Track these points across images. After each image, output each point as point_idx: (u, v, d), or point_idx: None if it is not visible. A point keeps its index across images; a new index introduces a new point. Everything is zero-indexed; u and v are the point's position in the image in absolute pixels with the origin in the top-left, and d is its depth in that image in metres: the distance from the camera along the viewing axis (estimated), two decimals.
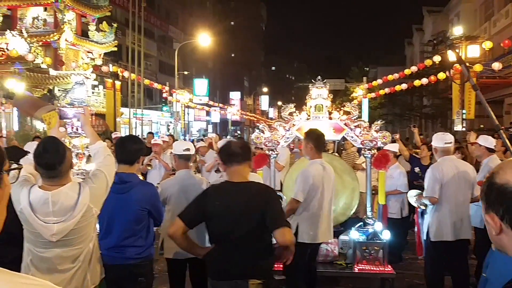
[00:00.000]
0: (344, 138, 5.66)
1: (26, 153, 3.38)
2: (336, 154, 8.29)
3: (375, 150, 5.19)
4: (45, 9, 20.89)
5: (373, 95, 24.57)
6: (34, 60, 15.72)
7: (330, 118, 5.28)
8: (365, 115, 25.38)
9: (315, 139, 4.32)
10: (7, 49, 14.22)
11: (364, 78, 26.62)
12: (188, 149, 4.03)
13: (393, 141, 6.77)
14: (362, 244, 4.85)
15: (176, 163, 4.14)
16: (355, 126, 5.18)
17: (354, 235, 4.95)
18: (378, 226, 4.95)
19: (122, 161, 3.21)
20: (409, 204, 5.85)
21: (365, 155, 5.27)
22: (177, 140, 13.81)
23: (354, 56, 72.64)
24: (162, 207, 3.61)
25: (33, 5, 20.68)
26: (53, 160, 2.39)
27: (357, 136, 5.14)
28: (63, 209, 2.38)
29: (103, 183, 2.60)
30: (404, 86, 19.81)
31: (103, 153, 2.78)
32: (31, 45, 15.21)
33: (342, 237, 5.27)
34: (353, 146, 7.43)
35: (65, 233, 2.39)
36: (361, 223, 5.12)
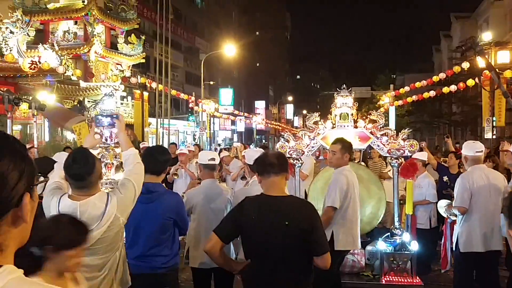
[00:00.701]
0: (370, 147, 5.59)
1: (55, 163, 3.47)
2: (362, 163, 8.20)
3: (403, 159, 5.11)
4: (76, 23, 21.59)
5: (400, 102, 24.22)
6: (65, 73, 16.17)
7: (356, 127, 5.24)
8: (392, 123, 25.01)
9: (348, 147, 4.33)
10: (39, 62, 14.68)
11: (391, 86, 26.34)
12: (213, 159, 4.06)
13: (421, 150, 6.64)
14: (390, 255, 4.76)
15: (201, 172, 4.17)
16: (381, 135, 5.12)
17: (381, 245, 4.86)
18: (406, 236, 4.86)
19: (150, 171, 3.22)
20: (438, 214, 5.72)
21: (392, 164, 5.19)
22: (203, 149, 13.94)
23: (380, 63, 71.96)
24: (187, 217, 3.63)
25: (64, 19, 21.41)
26: (82, 171, 2.45)
27: (384, 144, 5.08)
28: (91, 219, 2.43)
29: (131, 193, 2.62)
30: (432, 93, 19.44)
31: (133, 161, 2.79)
32: (62, 57, 15.67)
33: (368, 247, 5.19)
34: (380, 154, 7.33)
35: (92, 242, 2.42)
36: (388, 233, 5.03)
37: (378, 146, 5.14)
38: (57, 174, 2.67)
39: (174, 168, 7.60)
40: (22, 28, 15.14)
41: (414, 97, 21.45)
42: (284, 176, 2.68)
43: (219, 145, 30.78)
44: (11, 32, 14.74)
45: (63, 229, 1.89)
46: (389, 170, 6.62)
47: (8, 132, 7.07)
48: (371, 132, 5.14)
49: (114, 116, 2.97)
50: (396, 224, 4.98)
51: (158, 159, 3.29)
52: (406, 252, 4.75)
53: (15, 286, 0.85)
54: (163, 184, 3.45)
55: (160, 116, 23.40)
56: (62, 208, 2.45)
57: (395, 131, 5.20)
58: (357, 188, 4.33)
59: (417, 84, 19.08)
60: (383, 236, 4.99)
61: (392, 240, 4.89)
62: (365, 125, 5.24)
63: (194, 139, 33.97)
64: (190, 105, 28.46)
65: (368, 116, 5.46)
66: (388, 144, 5.04)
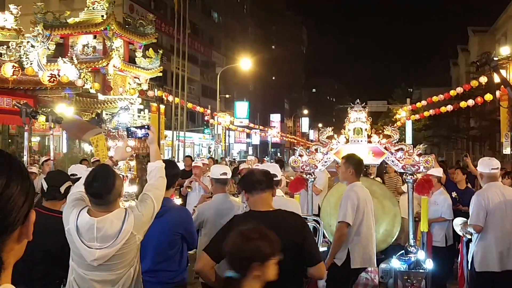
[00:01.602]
0: (385, 162, 5.53)
1: (69, 177, 3.52)
2: (378, 178, 8.10)
3: (418, 175, 5.03)
4: (95, 37, 22.04)
5: (417, 116, 24.01)
6: (84, 86, 16.47)
7: (370, 142, 5.19)
8: (408, 137, 24.74)
9: (355, 164, 4.28)
10: (58, 75, 14.99)
11: (408, 100, 26.13)
12: (225, 173, 4.06)
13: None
14: (404, 273, 4.67)
15: (213, 186, 4.17)
16: (396, 150, 5.06)
17: (395, 263, 4.77)
18: (421, 254, 4.76)
19: None
20: (455, 231, 5.60)
21: (406, 180, 5.12)
22: (217, 161, 13.97)
23: (397, 76, 71.64)
24: (196, 232, 3.62)
25: (83, 33, 21.88)
26: (100, 190, 2.46)
27: (398, 160, 5.02)
28: (107, 236, 2.43)
29: (149, 210, 2.60)
30: (449, 107, 19.24)
31: (157, 174, 2.79)
32: (80, 71, 15.98)
33: (382, 265, 5.10)
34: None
35: (106, 259, 2.44)
36: (403, 251, 4.94)
37: (393, 161, 5.07)
38: (82, 184, 2.66)
39: (188, 181, 7.63)
40: (43, 42, 15.51)
41: (431, 111, 21.27)
42: (271, 192, 2.77)
43: (234, 159, 30.79)
44: (32, 46, 15.10)
45: (263, 239, 2.03)
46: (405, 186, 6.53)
47: (26, 143, 7.23)
48: (385, 147, 5.09)
49: (146, 127, 3.00)
50: (411, 241, 4.89)
51: (166, 173, 3.30)
52: (421, 270, 4.65)
53: None
54: (177, 197, 3.46)
55: (176, 129, 23.62)
56: (80, 222, 2.45)
57: (411, 146, 5.14)
58: (370, 204, 4.28)
59: (434, 98, 18.93)
60: (398, 254, 4.90)
61: (406, 258, 4.79)
62: (379, 140, 5.20)
63: (209, 151, 34.13)
64: (206, 118, 28.71)
65: (383, 130, 5.42)
66: (402, 160, 4.98)
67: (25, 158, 7.17)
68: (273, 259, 2.03)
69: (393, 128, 5.40)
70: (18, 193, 0.92)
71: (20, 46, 15.08)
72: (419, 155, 4.96)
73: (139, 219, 2.53)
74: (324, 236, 5.24)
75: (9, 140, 16.91)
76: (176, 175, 3.39)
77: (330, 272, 3.77)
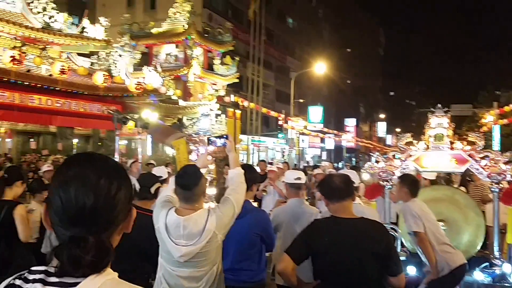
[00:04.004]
0: (469, 170, 5.30)
1: (158, 179, 3.82)
2: (462, 187, 7.73)
3: (505, 184, 4.77)
4: (177, 46, 23.23)
5: (505, 121, 22.37)
6: (166, 92, 17.46)
7: (452, 149, 5.00)
8: (496, 144, 23.14)
9: (410, 183, 4.23)
10: (144, 82, 16.02)
11: (495, 103, 24.43)
12: (299, 178, 4.12)
13: None
14: (488, 286, 4.45)
15: (287, 191, 4.25)
16: (481, 158, 4.84)
17: (479, 276, 4.56)
18: (507, 267, 4.50)
19: None
20: None
21: (492, 189, 4.87)
22: (295, 165, 14.05)
23: (482, 78, 66.95)
24: (274, 234, 3.73)
25: (166, 42, 23.16)
26: (189, 182, 2.69)
27: (483, 168, 4.79)
28: (192, 234, 2.62)
29: (230, 211, 2.77)
30: None
31: (236, 180, 2.96)
32: (164, 78, 16.95)
33: (465, 277, 4.88)
34: None
35: (191, 256, 2.63)
36: (487, 263, 4.70)
37: (477, 169, 4.86)
38: (170, 189, 2.91)
39: (263, 185, 7.81)
40: (129, 51, 16.67)
41: None
42: (351, 199, 2.75)
43: (308, 162, 30.68)
44: (120, 55, 16.28)
45: None
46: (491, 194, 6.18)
47: (116, 146, 7.85)
48: (469, 155, 4.89)
49: (225, 136, 3.21)
50: (496, 253, 4.64)
51: (245, 178, 3.45)
52: (506, 284, 4.41)
53: (110, 287, 1.00)
54: (252, 200, 3.60)
55: (250, 133, 24.11)
56: (169, 221, 2.67)
57: (498, 153, 4.89)
58: (431, 214, 4.23)
59: None
60: (481, 266, 4.67)
61: (491, 270, 4.56)
62: (463, 147, 5.00)
63: (283, 156, 34.33)
64: (280, 123, 28.93)
65: (468, 135, 5.21)
66: (488, 168, 4.75)
67: None
68: None
69: (477, 134, 5.16)
70: (125, 194, 1.08)
71: (109, 56, 16.33)
72: (506, 162, 4.70)
73: (221, 219, 2.70)
74: (402, 245, 5.13)
75: (99, 143, 18.24)
76: (252, 178, 3.48)
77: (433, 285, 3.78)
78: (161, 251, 2.75)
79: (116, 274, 1.04)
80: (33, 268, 1.01)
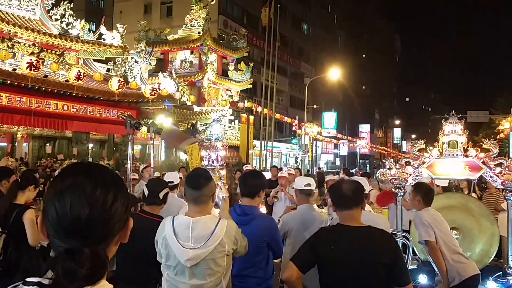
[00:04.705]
0: (483, 178, 5.21)
1: (167, 184, 3.83)
2: (473, 194, 7.60)
3: None
4: (192, 52, 23.41)
5: None
6: (181, 98, 17.58)
7: (466, 156, 4.93)
8: None
9: (423, 192, 4.18)
10: (158, 88, 16.16)
11: None
12: (309, 184, 4.10)
13: None
14: None
15: (297, 197, 4.22)
16: (495, 165, 4.76)
17: (492, 286, 4.47)
18: None
19: (245, 194, 3.40)
20: None
21: (506, 198, 4.79)
22: (307, 171, 13.99)
23: (499, 84, 65.94)
24: (281, 240, 3.69)
25: (181, 49, 23.36)
26: (199, 181, 2.68)
27: (497, 175, 4.72)
28: (200, 236, 2.59)
29: (240, 234, 2.75)
30: None
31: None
32: (178, 84, 17.07)
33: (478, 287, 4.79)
34: None
35: (198, 260, 2.57)
36: (500, 272, 4.61)
37: (491, 177, 4.78)
38: (183, 214, 2.85)
39: (274, 191, 7.79)
40: (145, 57, 16.82)
41: None
42: (359, 207, 2.70)
43: (319, 168, 30.46)
44: (136, 61, 16.45)
45: None
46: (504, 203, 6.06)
47: (130, 152, 7.91)
48: (483, 162, 4.81)
49: (222, 197, 3.19)
50: (510, 263, 4.55)
51: (251, 183, 3.42)
52: None
53: None
54: (264, 206, 3.58)
55: (264, 139, 24.11)
56: (177, 223, 2.65)
57: None
58: (444, 223, 4.16)
59: None
60: (494, 275, 4.58)
61: (504, 280, 4.47)
62: (477, 154, 4.92)
63: (296, 161, 34.23)
64: (294, 128, 28.89)
65: (482, 143, 5.13)
66: (502, 176, 4.67)
67: (128, 166, 7.83)
68: None
69: (492, 142, 5.08)
70: (121, 205, 1.07)
71: (125, 62, 16.51)
72: None
73: (231, 227, 2.67)
74: (414, 253, 5.06)
75: (114, 148, 18.43)
76: (260, 185, 3.45)
77: None
78: (164, 261, 2.68)
79: (111, 286, 1.03)
80: (28, 280, 1.00)
